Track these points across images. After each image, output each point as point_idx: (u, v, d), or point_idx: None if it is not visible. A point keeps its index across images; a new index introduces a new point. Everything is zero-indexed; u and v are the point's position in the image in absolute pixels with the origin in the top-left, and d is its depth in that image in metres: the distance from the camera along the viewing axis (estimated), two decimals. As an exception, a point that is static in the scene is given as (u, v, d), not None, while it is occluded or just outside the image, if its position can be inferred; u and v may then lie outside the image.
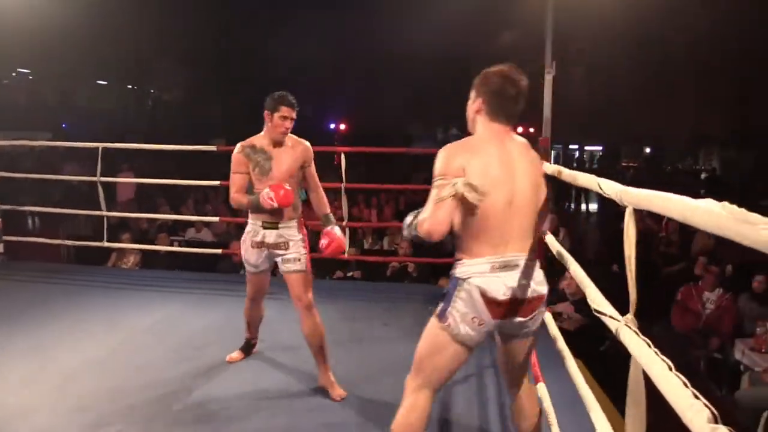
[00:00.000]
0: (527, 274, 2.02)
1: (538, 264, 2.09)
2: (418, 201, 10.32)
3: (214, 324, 4.41)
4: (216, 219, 6.71)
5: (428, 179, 2.02)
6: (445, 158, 2.00)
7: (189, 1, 17.25)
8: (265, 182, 3.21)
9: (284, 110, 3.15)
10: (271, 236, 3.29)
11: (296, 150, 3.26)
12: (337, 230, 3.38)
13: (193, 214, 8.57)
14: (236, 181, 3.26)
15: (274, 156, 3.21)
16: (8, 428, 2.87)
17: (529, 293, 2.03)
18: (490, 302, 1.99)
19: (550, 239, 3.19)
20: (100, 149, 5.63)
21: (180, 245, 7.22)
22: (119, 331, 4.23)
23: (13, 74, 18.39)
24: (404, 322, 4.49)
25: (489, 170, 1.98)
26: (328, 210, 3.45)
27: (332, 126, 25.15)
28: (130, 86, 27.47)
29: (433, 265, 6.22)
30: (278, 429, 2.91)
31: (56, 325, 4.31)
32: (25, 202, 7.21)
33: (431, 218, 1.94)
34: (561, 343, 2.60)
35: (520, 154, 2.07)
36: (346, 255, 5.21)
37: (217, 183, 5.68)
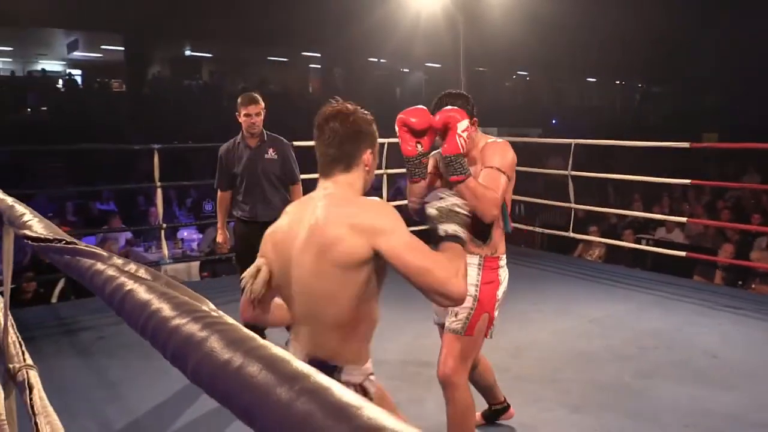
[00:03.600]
0: None
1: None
2: None
3: (664, 328, 4.21)
4: (683, 219, 6.29)
5: None
6: None
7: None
8: None
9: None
10: None
11: (480, 156, 2.36)
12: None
13: (666, 213, 8.20)
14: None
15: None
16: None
17: None
18: None
19: None
20: (573, 145, 5.94)
21: (648, 244, 7.02)
22: (569, 317, 4.43)
23: (513, 77, 20.86)
24: None
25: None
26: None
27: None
28: (618, 82, 27.75)
29: None
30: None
31: (511, 306, 4.45)
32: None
33: None
34: None
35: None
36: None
37: (687, 181, 5.38)
